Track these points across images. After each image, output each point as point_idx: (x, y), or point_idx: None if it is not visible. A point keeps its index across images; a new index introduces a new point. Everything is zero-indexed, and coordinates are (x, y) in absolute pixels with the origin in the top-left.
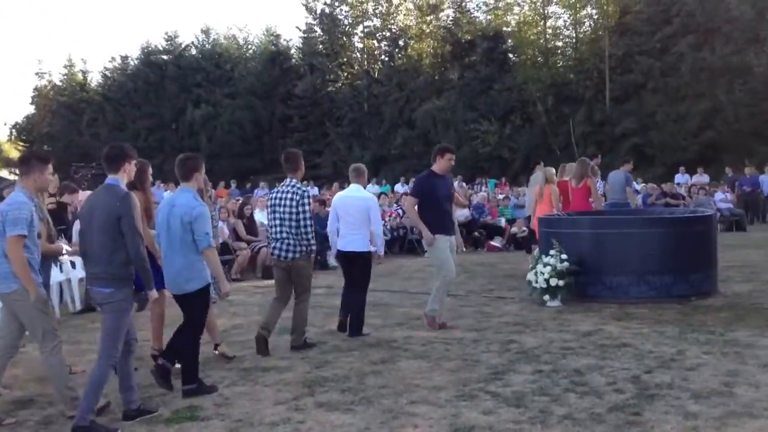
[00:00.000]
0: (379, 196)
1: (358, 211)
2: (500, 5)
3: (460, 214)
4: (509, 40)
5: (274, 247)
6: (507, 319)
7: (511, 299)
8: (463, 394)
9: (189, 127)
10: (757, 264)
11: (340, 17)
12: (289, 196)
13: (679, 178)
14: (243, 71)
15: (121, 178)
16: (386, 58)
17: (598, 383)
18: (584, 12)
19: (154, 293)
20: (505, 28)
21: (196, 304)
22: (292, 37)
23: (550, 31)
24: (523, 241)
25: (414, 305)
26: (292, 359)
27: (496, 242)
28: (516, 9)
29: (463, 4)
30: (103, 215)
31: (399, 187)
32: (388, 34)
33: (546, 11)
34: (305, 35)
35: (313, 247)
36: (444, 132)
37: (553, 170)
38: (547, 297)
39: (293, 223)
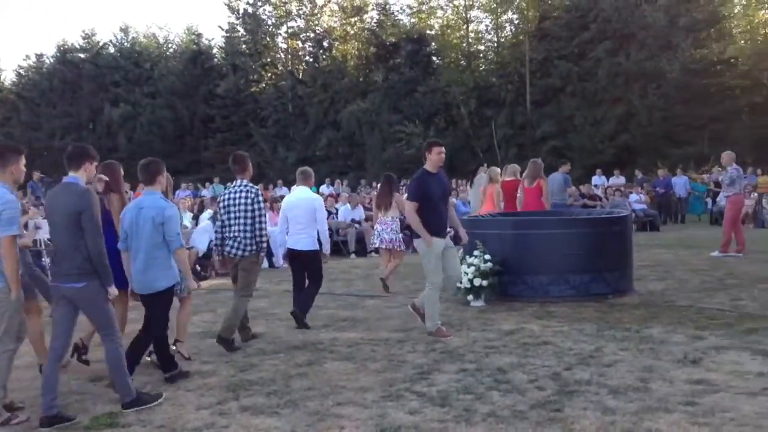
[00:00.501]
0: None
1: (305, 211)
2: (423, 8)
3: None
4: (433, 43)
5: (227, 245)
6: None
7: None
8: (389, 394)
9: (107, 126)
10: (670, 263)
11: (263, 17)
12: (243, 195)
13: (596, 179)
14: (163, 70)
15: (81, 177)
16: (311, 59)
17: (520, 381)
18: (505, 17)
19: (114, 290)
20: (428, 31)
21: (161, 303)
22: (214, 36)
23: (472, 35)
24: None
25: (339, 306)
26: (215, 363)
27: (326, 259)
28: (439, 12)
29: (387, 6)
30: (64, 213)
31: (324, 189)
32: (312, 35)
33: (468, 15)
34: (228, 35)
35: (264, 245)
36: (369, 133)
37: (498, 170)
38: (471, 297)
39: (248, 221)
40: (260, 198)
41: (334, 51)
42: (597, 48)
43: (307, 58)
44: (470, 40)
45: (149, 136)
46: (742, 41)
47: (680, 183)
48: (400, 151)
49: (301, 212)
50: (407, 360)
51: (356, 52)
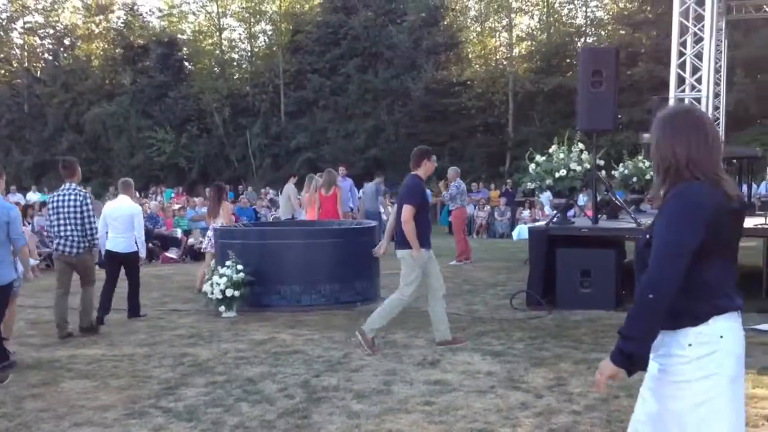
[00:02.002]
0: (41, 204)
1: (124, 218)
2: (174, 12)
3: None
4: (185, 48)
5: (59, 244)
6: (181, 332)
7: (186, 311)
8: (132, 412)
9: None
10: None
11: None
12: (72, 198)
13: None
14: None
15: None
16: (50, 57)
17: (270, 390)
18: (258, 27)
19: None
20: (180, 36)
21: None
22: None
23: (226, 42)
24: (200, 252)
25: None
26: None
27: (171, 253)
28: (191, 18)
29: (135, 7)
30: None
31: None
32: (52, 31)
33: (221, 23)
34: None
35: (96, 242)
36: (116, 138)
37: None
38: (222, 308)
39: (78, 222)
40: (88, 201)
41: (76, 50)
42: (348, 64)
43: (46, 56)
44: (224, 47)
45: None
46: (477, 65)
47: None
48: (150, 157)
49: (121, 218)
50: (153, 375)
51: (102, 53)
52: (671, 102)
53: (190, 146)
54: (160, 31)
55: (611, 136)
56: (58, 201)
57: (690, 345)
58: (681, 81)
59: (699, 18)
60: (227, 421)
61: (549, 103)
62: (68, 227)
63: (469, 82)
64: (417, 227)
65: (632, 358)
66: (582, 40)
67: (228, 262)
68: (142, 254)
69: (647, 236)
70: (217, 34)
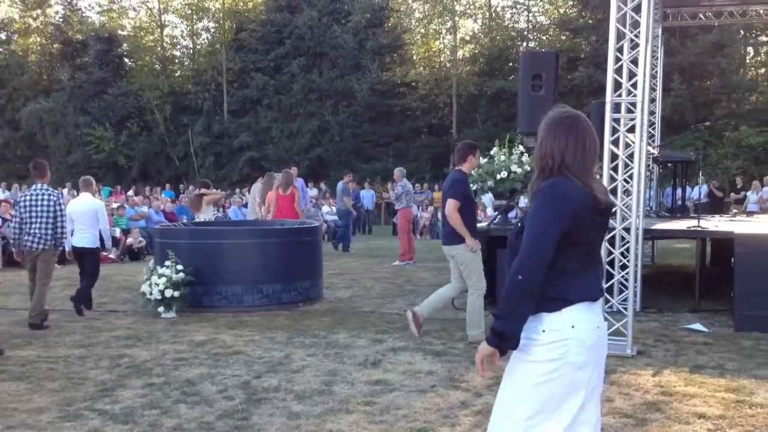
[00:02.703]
0: None
1: (88, 214)
2: (114, 7)
3: None
4: (125, 44)
5: (27, 240)
6: (119, 333)
7: (124, 312)
8: (67, 414)
9: None
10: (357, 271)
11: None
12: (46, 198)
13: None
14: None
15: None
16: None
17: (209, 392)
18: (201, 24)
19: None
20: (120, 32)
21: None
22: None
23: (167, 39)
24: (139, 252)
25: (14, 323)
26: None
27: (110, 253)
28: (131, 13)
29: (74, 2)
30: None
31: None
32: None
33: (163, 19)
34: None
35: (63, 241)
36: (53, 135)
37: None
38: (162, 308)
39: (49, 220)
40: (61, 201)
41: (13, 44)
42: (292, 63)
43: None
44: (165, 44)
45: None
46: (421, 67)
47: (368, 196)
48: (88, 155)
49: (84, 214)
50: (89, 377)
51: (39, 48)
52: (607, 106)
53: (130, 144)
54: (100, 27)
55: None
56: (29, 200)
57: (543, 331)
58: (618, 86)
59: (636, 24)
60: (164, 423)
61: (492, 105)
62: (38, 225)
63: (413, 84)
64: (467, 220)
65: (502, 336)
66: (524, 44)
67: (167, 262)
68: (108, 245)
69: (519, 225)
70: (159, 30)
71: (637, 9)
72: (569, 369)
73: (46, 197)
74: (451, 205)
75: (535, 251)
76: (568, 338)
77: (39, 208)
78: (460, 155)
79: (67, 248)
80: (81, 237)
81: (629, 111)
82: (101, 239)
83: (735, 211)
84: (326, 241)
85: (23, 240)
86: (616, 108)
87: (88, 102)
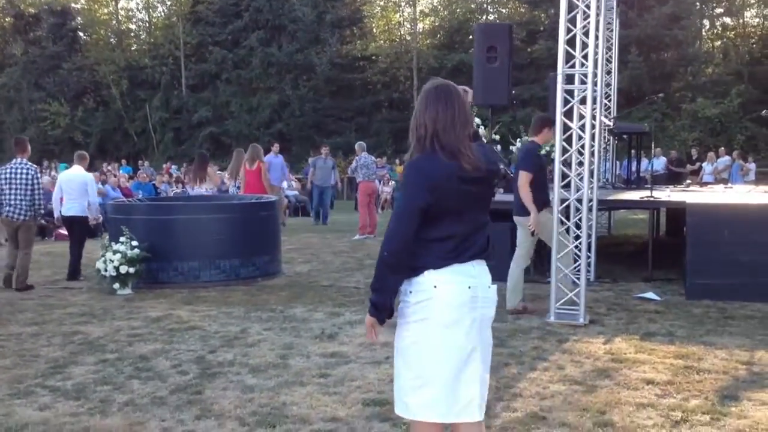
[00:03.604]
0: None
1: (78, 185)
2: None
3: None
4: (78, 18)
5: (8, 211)
6: (73, 310)
7: (79, 289)
8: (17, 392)
9: None
10: (317, 246)
11: None
12: (24, 171)
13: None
14: None
15: None
16: None
17: (163, 367)
18: None
19: None
20: (73, 5)
21: None
22: None
23: (122, 12)
24: (95, 228)
25: None
26: None
27: (65, 230)
28: None
29: None
30: None
31: None
32: None
33: None
34: None
35: (40, 211)
36: (7, 111)
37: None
38: (117, 285)
39: (27, 192)
40: (38, 175)
41: None
42: (250, 37)
43: None
44: (120, 17)
45: None
46: (381, 41)
47: None
48: (44, 131)
49: (75, 186)
50: (41, 354)
51: None
52: (558, 78)
53: (87, 119)
54: (53, 0)
55: (512, 112)
56: (9, 173)
57: (411, 292)
58: (570, 57)
59: None
60: (116, 398)
61: (452, 78)
62: (17, 197)
63: (373, 57)
64: (537, 192)
65: (376, 306)
66: (484, 17)
67: (122, 238)
68: (97, 215)
69: None
70: (113, 3)
71: None
72: (437, 328)
73: (24, 171)
74: (524, 177)
75: (397, 225)
76: (431, 298)
77: (18, 181)
78: (535, 128)
79: (56, 215)
80: (70, 206)
81: (582, 83)
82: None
83: (689, 181)
84: (288, 216)
85: (3, 210)
86: (569, 79)
87: (43, 77)
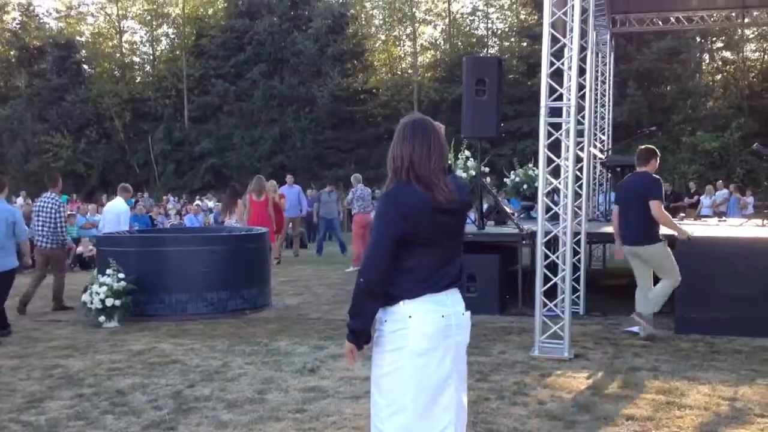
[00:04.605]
0: None
1: (114, 216)
2: (72, 13)
3: None
4: (83, 51)
5: (37, 240)
6: (56, 343)
7: (66, 322)
8: None
9: None
10: (309, 278)
11: None
12: (50, 204)
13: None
14: None
15: None
16: None
17: (139, 402)
18: (161, 30)
19: None
20: (78, 38)
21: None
22: None
23: (126, 45)
24: (90, 261)
25: None
26: None
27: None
28: (90, 19)
29: (31, 8)
30: None
31: None
32: None
33: (122, 25)
34: None
35: (65, 241)
36: (10, 143)
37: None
38: (103, 318)
39: (51, 223)
40: (62, 208)
41: None
42: (253, 70)
43: None
44: (124, 50)
45: None
46: (383, 74)
47: None
48: (46, 162)
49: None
50: (18, 388)
51: None
52: (541, 110)
53: (89, 152)
54: (57, 33)
55: (513, 144)
56: (38, 206)
57: (386, 321)
58: (553, 90)
59: (571, 29)
60: None
61: (453, 111)
62: (45, 227)
63: (374, 90)
64: (651, 223)
65: (354, 332)
66: (485, 51)
67: (109, 270)
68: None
69: None
70: (118, 36)
71: (568, 14)
72: (411, 357)
73: (50, 204)
74: (657, 205)
75: (372, 254)
76: (405, 327)
77: (45, 213)
78: (643, 159)
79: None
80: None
81: (568, 115)
82: None
83: (683, 215)
84: (285, 248)
85: (36, 240)
86: (556, 113)
87: (46, 109)
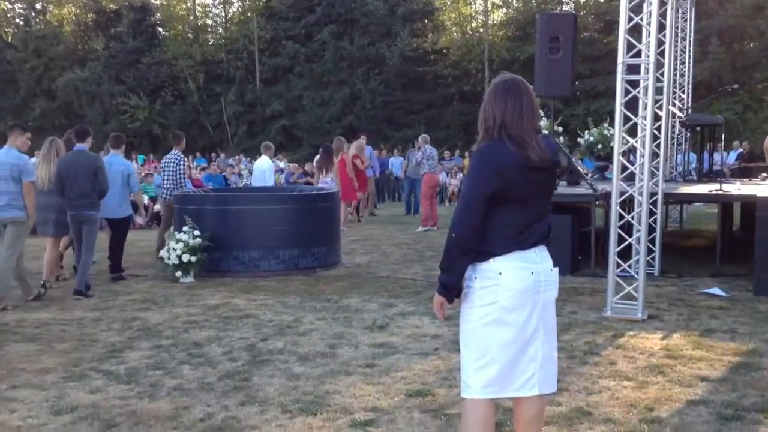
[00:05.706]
0: None
1: (260, 173)
2: None
3: None
4: (157, 14)
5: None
6: (135, 296)
7: (144, 277)
8: (72, 375)
9: None
10: (379, 238)
11: None
12: (173, 161)
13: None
14: None
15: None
16: (21, 22)
17: (214, 354)
18: None
19: None
20: (153, 1)
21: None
22: None
23: (199, 8)
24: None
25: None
26: None
27: (138, 219)
28: None
29: None
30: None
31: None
32: None
33: None
34: None
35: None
36: (89, 105)
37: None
38: (179, 273)
39: (175, 180)
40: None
41: (48, 15)
42: (323, 31)
43: (18, 20)
44: (197, 13)
45: None
46: (453, 33)
47: (397, 163)
48: (123, 123)
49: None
50: (99, 339)
51: (73, 18)
52: (618, 68)
53: (165, 113)
54: None
55: (586, 104)
56: (165, 162)
57: (476, 278)
58: (631, 47)
59: None
60: (166, 383)
61: (525, 71)
62: (168, 181)
63: (444, 51)
64: None
65: (445, 287)
66: (559, 8)
67: (185, 228)
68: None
69: None
70: None
71: None
72: (501, 312)
73: (174, 160)
74: None
75: (464, 210)
76: (497, 284)
77: (170, 169)
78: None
79: None
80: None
81: (646, 72)
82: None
83: (765, 175)
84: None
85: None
86: (634, 69)
87: (123, 71)
